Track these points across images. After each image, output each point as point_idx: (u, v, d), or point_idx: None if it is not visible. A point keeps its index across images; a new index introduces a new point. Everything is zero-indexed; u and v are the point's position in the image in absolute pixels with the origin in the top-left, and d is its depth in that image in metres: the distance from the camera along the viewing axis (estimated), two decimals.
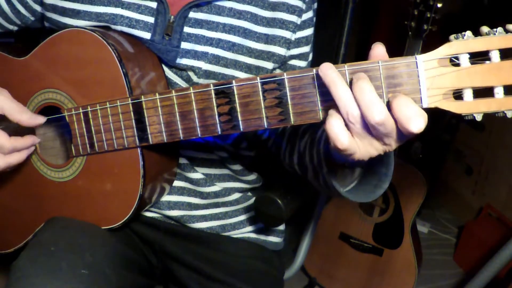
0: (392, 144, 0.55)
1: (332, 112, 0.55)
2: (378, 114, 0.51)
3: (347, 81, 0.55)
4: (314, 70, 0.57)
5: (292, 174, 0.87)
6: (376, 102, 0.51)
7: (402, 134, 0.53)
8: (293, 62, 0.88)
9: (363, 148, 0.56)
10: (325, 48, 1.30)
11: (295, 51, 0.86)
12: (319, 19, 0.90)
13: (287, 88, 0.59)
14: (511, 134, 2.15)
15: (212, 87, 0.64)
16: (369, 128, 0.54)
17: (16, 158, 0.78)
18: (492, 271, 1.46)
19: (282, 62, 0.86)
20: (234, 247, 0.96)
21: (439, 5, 1.45)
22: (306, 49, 0.88)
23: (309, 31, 0.87)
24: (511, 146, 2.15)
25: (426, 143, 2.16)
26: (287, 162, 0.85)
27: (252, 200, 1.00)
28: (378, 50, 0.55)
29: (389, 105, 0.52)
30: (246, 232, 0.99)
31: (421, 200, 1.69)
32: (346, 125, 0.55)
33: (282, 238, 1.05)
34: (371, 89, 0.52)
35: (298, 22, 0.84)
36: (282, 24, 0.83)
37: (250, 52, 0.82)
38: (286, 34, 0.84)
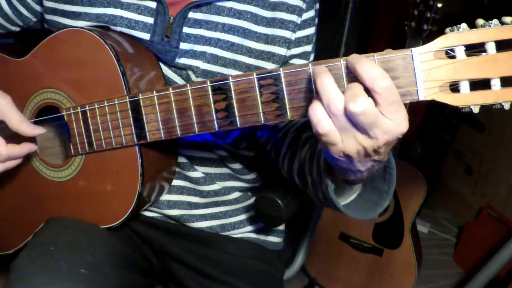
0: (378, 136, 0.53)
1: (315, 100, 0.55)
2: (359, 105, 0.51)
3: (343, 75, 0.55)
4: (310, 65, 0.57)
5: (288, 181, 0.86)
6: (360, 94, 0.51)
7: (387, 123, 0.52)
8: (294, 61, 0.87)
9: (347, 140, 0.54)
10: (325, 48, 1.30)
11: (296, 50, 0.86)
12: (319, 19, 0.90)
13: (283, 83, 0.59)
14: (511, 134, 2.15)
15: (209, 84, 0.64)
16: (351, 120, 0.53)
17: (12, 164, 0.78)
18: (492, 271, 1.46)
19: (283, 62, 0.86)
20: (234, 246, 0.96)
21: (439, 5, 1.45)
22: (307, 48, 0.87)
23: (310, 30, 0.86)
24: (511, 146, 2.15)
25: (426, 143, 2.16)
26: (286, 169, 0.84)
27: (252, 199, 0.99)
28: None
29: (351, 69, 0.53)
30: (246, 232, 0.98)
31: (421, 200, 1.68)
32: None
33: (282, 238, 1.05)
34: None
35: (298, 22, 0.84)
36: (282, 24, 0.83)
37: (250, 52, 0.82)
38: (286, 33, 0.83)
